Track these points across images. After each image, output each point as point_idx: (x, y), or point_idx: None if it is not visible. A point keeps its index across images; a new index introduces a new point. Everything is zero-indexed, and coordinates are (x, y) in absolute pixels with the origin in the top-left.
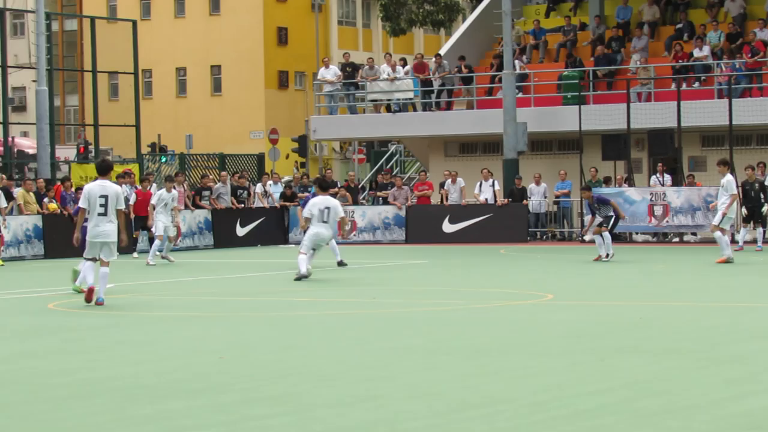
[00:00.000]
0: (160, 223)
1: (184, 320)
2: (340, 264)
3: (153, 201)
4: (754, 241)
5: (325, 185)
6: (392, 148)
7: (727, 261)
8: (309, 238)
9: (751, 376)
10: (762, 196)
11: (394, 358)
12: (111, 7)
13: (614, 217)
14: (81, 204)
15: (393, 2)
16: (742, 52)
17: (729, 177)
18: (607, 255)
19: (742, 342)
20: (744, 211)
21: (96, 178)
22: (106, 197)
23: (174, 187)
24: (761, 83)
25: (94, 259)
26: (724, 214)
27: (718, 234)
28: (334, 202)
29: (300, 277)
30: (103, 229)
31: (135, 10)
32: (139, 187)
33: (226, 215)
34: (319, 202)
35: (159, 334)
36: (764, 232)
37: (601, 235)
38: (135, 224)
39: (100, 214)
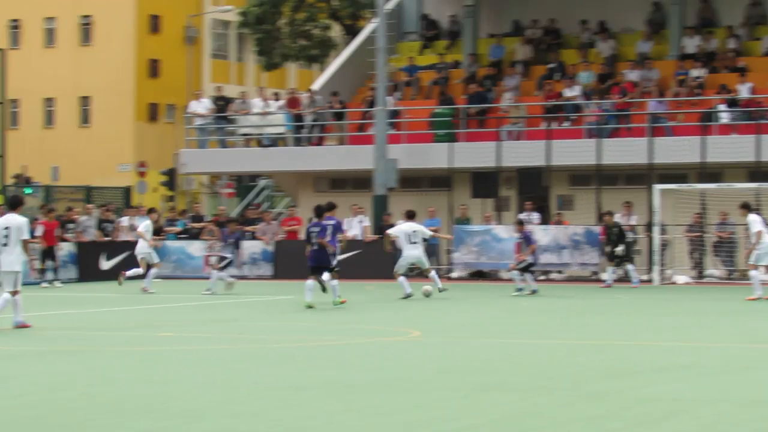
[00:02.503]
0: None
1: (45, 354)
2: (441, 290)
3: (142, 230)
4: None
5: (411, 214)
6: (261, 182)
7: (758, 299)
8: (402, 259)
9: (612, 414)
10: (620, 237)
11: (260, 393)
12: None
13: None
14: None
15: (267, 37)
16: (612, 93)
17: (750, 217)
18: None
19: (605, 379)
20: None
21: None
22: (8, 228)
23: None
24: (629, 124)
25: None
26: (749, 251)
27: (752, 273)
28: (420, 226)
29: (407, 296)
30: (7, 260)
31: (3, 38)
32: (46, 219)
33: (91, 248)
34: (406, 227)
35: (19, 368)
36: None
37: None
38: (42, 255)
39: (3, 245)
